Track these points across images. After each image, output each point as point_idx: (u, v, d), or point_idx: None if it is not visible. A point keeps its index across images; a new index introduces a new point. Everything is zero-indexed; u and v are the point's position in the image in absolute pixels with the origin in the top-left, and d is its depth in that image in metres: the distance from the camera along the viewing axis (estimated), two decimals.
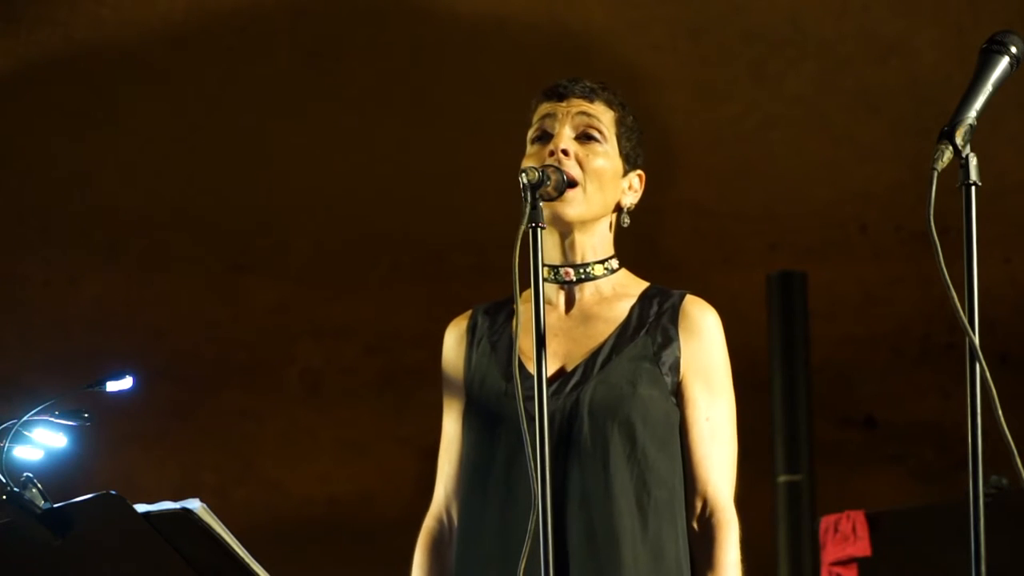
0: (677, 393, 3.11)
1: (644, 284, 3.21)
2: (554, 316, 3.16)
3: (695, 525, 3.11)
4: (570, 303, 3.18)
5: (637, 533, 3.03)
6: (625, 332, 3.13)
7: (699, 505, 3.11)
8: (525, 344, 3.02)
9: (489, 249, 7.45)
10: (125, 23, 7.28)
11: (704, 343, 3.13)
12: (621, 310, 3.16)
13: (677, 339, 3.12)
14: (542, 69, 6.99)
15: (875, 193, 7.68)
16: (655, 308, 3.15)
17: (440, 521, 3.23)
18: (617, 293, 3.18)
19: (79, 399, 3.13)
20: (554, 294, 3.18)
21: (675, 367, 3.11)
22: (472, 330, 3.23)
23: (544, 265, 3.14)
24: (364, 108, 7.61)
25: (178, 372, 7.97)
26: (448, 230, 7.86)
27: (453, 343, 3.25)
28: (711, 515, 3.11)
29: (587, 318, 3.16)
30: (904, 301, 7.86)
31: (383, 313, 8.09)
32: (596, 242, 3.18)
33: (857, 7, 7.29)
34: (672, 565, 3.05)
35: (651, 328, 3.12)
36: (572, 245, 3.17)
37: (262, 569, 2.86)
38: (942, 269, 2.51)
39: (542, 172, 2.96)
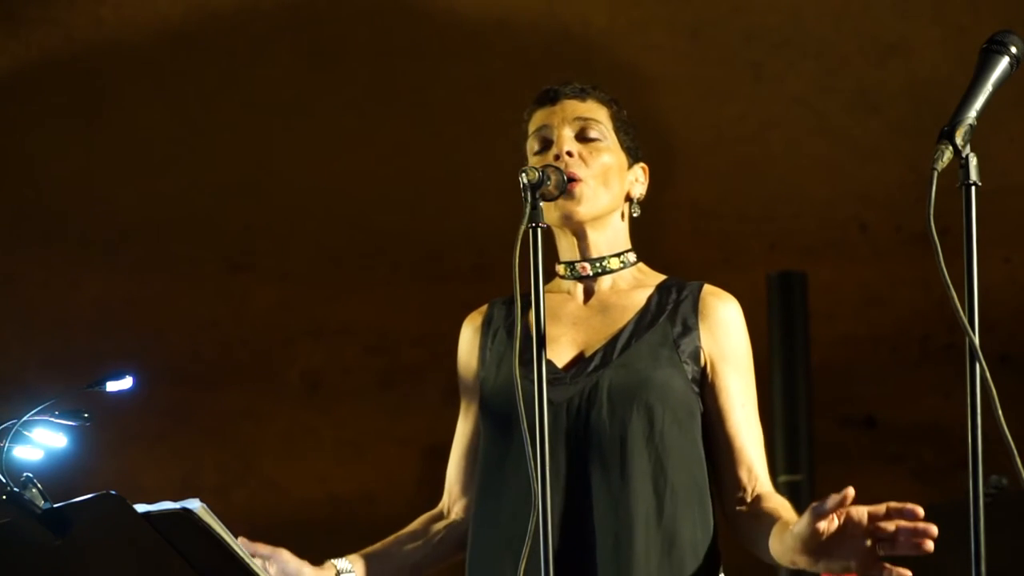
0: (701, 383, 3.12)
1: (661, 276, 3.23)
2: (572, 306, 3.19)
3: (743, 507, 3.10)
4: (588, 294, 3.21)
5: (651, 517, 3.02)
6: (644, 319, 3.14)
7: (746, 488, 3.10)
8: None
9: (489, 249, 7.45)
10: (125, 23, 7.28)
11: (730, 332, 3.14)
12: (639, 299, 3.17)
13: (697, 329, 3.12)
14: (542, 69, 6.98)
15: (875, 193, 7.68)
16: (673, 296, 3.16)
17: (442, 506, 3.29)
18: (634, 284, 3.20)
19: (79, 399, 3.13)
20: (572, 286, 3.21)
21: (695, 356, 3.11)
22: (487, 323, 3.24)
23: (560, 263, 3.18)
24: (364, 108, 7.60)
25: (178, 372, 7.97)
26: (448, 230, 7.86)
27: (468, 338, 3.27)
28: (759, 492, 3.10)
29: (605, 307, 3.18)
30: (904, 301, 7.86)
31: (383, 313, 8.09)
32: (611, 236, 3.20)
33: (857, 7, 7.29)
34: (687, 551, 3.04)
35: (670, 315, 3.14)
36: (587, 242, 3.19)
37: (262, 569, 2.86)
38: (942, 269, 2.51)
39: (542, 172, 2.97)
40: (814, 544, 2.81)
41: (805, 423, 7.10)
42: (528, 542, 2.77)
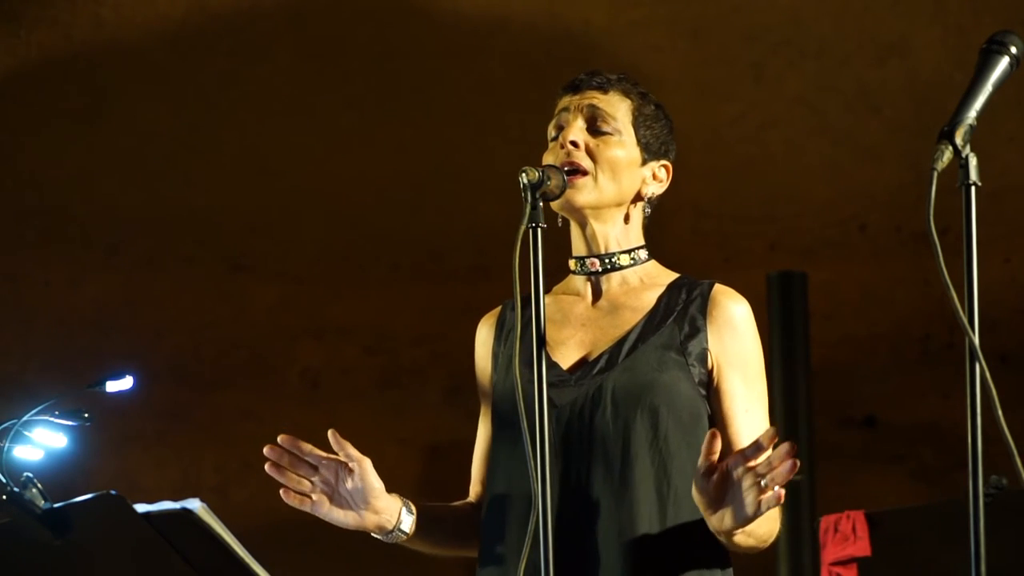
0: (708, 385, 3.09)
1: (674, 275, 3.20)
2: (581, 306, 3.17)
3: None
4: (597, 294, 3.18)
5: (655, 521, 3.01)
6: (652, 321, 3.11)
7: None
8: (547, 335, 2.98)
9: (489, 249, 7.45)
10: (125, 23, 7.28)
11: (737, 334, 3.10)
12: (648, 299, 3.14)
13: (705, 330, 3.09)
14: (542, 69, 6.99)
15: (875, 193, 7.68)
16: (683, 297, 3.13)
17: (470, 500, 3.27)
18: (645, 283, 3.17)
19: (79, 399, 3.14)
20: (581, 285, 3.18)
21: (702, 358, 3.08)
22: (501, 325, 3.23)
23: (571, 257, 3.17)
24: (364, 108, 7.60)
25: (178, 372, 7.97)
26: (448, 230, 7.86)
27: (483, 339, 3.26)
28: None
29: (614, 308, 3.15)
30: (904, 301, 7.86)
31: (383, 313, 8.09)
32: (618, 232, 3.17)
33: (857, 7, 7.29)
34: (691, 555, 3.03)
35: (678, 317, 3.10)
36: (594, 235, 3.16)
37: (262, 569, 2.86)
38: (942, 269, 2.51)
39: (542, 172, 2.96)
40: (713, 504, 2.86)
41: (805, 423, 7.10)
42: (528, 543, 2.77)
